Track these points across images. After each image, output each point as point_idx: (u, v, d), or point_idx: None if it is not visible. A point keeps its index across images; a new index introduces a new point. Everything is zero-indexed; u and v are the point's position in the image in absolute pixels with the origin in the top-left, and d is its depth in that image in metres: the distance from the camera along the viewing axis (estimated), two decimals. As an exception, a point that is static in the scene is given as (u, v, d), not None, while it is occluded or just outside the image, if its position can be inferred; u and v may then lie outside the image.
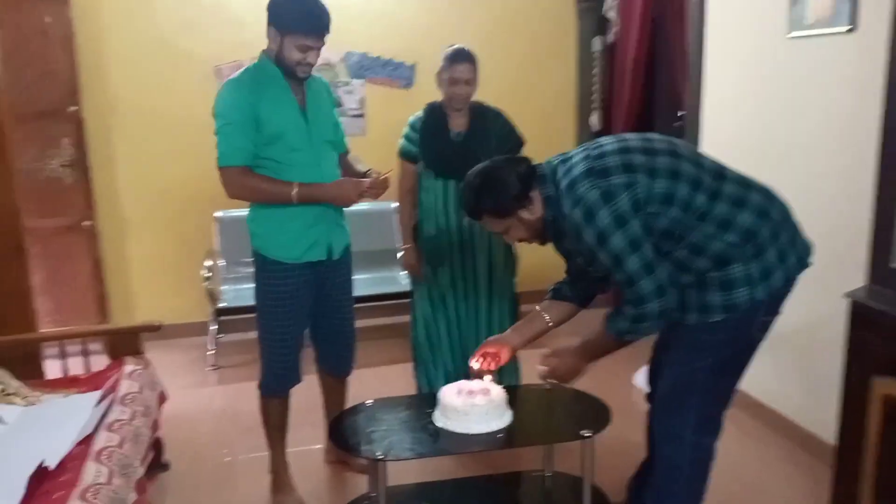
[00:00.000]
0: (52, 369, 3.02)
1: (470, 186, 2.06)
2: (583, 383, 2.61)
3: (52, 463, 2.03)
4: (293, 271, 2.49)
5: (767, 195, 2.03)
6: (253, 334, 4.65)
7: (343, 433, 2.31)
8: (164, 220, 4.35)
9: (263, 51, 2.45)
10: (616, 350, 2.15)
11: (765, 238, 1.96)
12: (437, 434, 2.22)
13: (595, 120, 4.75)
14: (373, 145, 4.60)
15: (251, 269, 4.68)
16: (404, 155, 3.07)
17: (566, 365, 2.22)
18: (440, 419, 2.27)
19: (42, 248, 4.12)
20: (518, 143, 3.05)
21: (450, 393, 2.29)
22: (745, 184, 2.01)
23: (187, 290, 4.37)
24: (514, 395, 2.44)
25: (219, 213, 4.29)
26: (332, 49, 4.44)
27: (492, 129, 2.99)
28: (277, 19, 2.35)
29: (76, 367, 2.88)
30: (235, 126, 2.33)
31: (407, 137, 3.05)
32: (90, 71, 4.12)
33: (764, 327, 2.05)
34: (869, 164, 2.31)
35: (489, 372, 2.33)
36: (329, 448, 2.95)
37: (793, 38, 2.91)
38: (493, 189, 2.02)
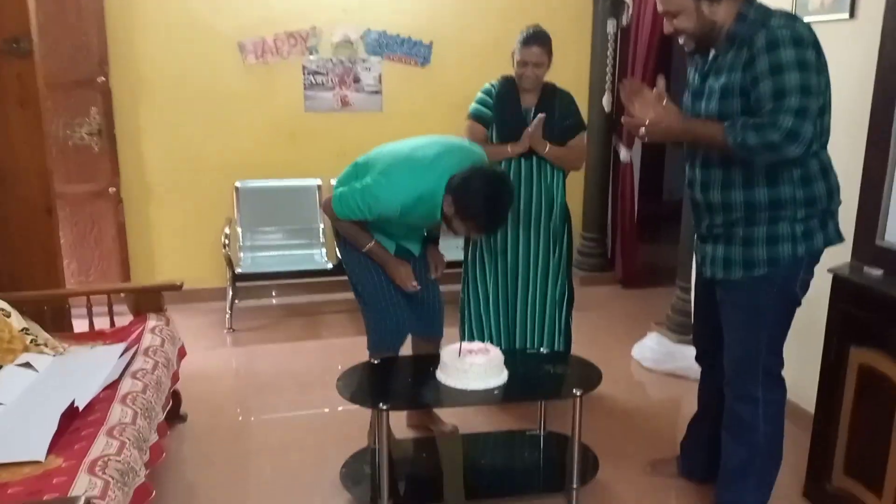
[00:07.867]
0: (78, 325, 3.22)
1: None
2: (581, 355, 2.75)
3: (81, 403, 2.20)
4: None
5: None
6: (268, 301, 4.80)
7: (349, 387, 2.47)
8: (186, 188, 4.51)
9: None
10: (703, 144, 2.04)
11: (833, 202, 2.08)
12: (438, 389, 2.37)
13: (606, 101, 4.84)
14: (389, 120, 4.72)
15: (268, 237, 4.85)
16: (476, 117, 3.09)
17: (664, 114, 1.99)
18: (441, 376, 2.41)
19: (70, 212, 4.32)
20: (578, 125, 3.10)
21: (450, 352, 2.43)
22: None
23: (207, 257, 4.54)
24: (512, 356, 2.58)
25: (238, 183, 4.45)
26: (352, 26, 4.55)
27: (557, 108, 3.03)
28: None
29: (101, 323, 3.05)
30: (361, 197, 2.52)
31: (481, 102, 3.08)
32: (119, 44, 4.27)
33: (804, 286, 2.14)
34: (863, 146, 2.40)
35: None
36: (411, 413, 3.03)
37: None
38: None
